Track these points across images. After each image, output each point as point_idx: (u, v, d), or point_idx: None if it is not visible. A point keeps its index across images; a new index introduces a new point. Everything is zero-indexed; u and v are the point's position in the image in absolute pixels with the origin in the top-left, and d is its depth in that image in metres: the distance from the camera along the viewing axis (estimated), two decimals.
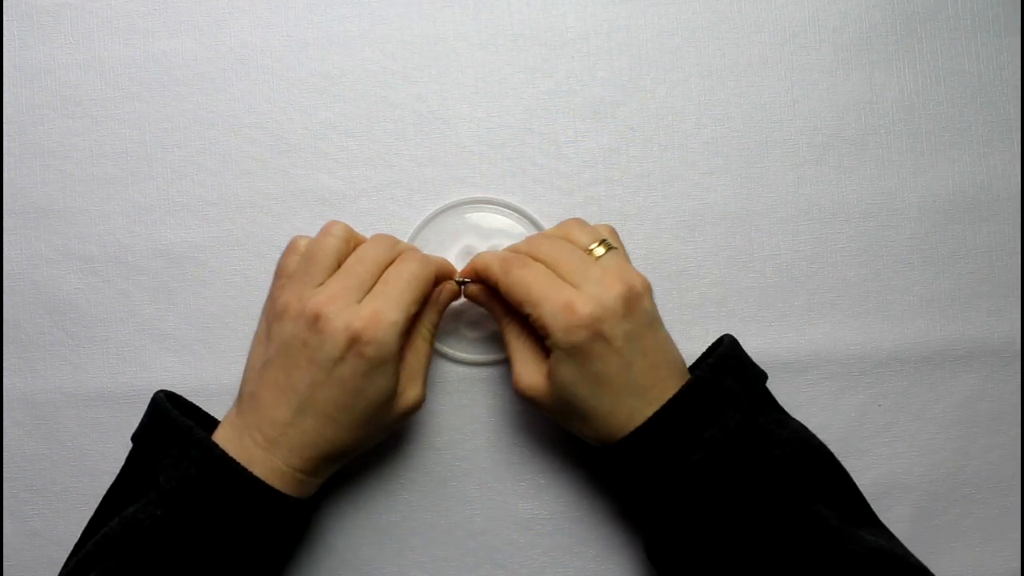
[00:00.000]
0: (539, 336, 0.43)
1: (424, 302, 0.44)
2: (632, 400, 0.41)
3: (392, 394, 0.42)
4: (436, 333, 0.46)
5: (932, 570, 0.41)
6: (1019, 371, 0.52)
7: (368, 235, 0.47)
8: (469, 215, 0.52)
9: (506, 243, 0.51)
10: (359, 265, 0.43)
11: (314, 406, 0.41)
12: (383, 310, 0.41)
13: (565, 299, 0.41)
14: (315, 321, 0.40)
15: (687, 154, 0.52)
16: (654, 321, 0.43)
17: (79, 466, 0.51)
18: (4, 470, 0.51)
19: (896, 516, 0.50)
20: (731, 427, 0.41)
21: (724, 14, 0.53)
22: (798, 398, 0.51)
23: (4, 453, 0.51)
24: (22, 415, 0.51)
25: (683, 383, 0.42)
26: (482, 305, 0.47)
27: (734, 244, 0.52)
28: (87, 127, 0.52)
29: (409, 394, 0.43)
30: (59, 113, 0.52)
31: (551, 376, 0.42)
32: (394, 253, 0.44)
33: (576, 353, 0.41)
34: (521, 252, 0.44)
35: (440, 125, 0.52)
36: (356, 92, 0.52)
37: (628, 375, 0.41)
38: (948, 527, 0.51)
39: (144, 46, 0.53)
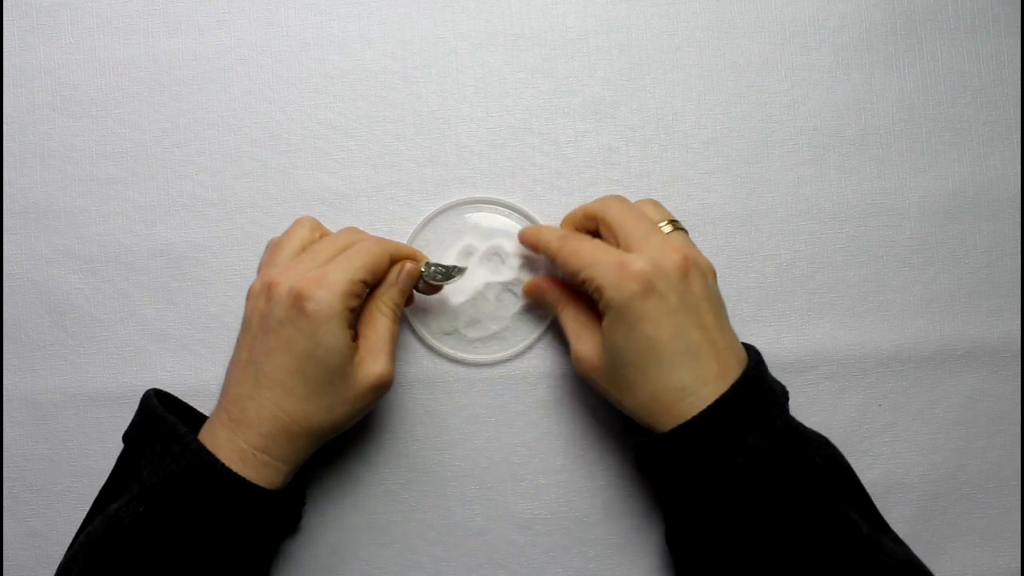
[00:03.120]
0: (595, 314, 0.44)
1: (380, 281, 0.45)
2: (683, 375, 0.40)
3: (345, 360, 0.42)
4: (400, 314, 0.46)
5: (932, 570, 0.41)
6: (1019, 371, 0.52)
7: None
8: (469, 215, 0.52)
9: (506, 243, 0.51)
10: (319, 246, 0.45)
11: (269, 375, 0.41)
12: (327, 272, 0.42)
13: (618, 258, 0.42)
14: (268, 290, 0.42)
15: (687, 154, 0.52)
16: (715, 302, 0.43)
17: (79, 466, 0.51)
18: (4, 470, 0.51)
19: (896, 516, 0.50)
20: (777, 427, 0.40)
21: (724, 14, 0.53)
22: (798, 398, 0.51)
23: (4, 453, 0.51)
24: (22, 415, 0.51)
25: (738, 374, 0.41)
26: (539, 300, 0.49)
27: (734, 244, 0.52)
28: (87, 127, 0.52)
29: (371, 367, 0.43)
30: (59, 113, 0.52)
31: (604, 341, 0.42)
32: (356, 239, 0.45)
33: (628, 311, 0.40)
34: (590, 209, 0.46)
35: (440, 125, 0.52)
36: (356, 92, 0.52)
37: (681, 343, 0.40)
38: (948, 527, 0.51)
39: (144, 46, 0.53)
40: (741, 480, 0.39)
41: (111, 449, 0.50)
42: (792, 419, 0.42)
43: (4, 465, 0.51)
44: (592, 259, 0.42)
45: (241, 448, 0.41)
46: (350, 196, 0.52)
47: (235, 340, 0.51)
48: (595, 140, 0.52)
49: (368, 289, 0.44)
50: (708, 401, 0.40)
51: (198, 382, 0.51)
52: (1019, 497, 0.51)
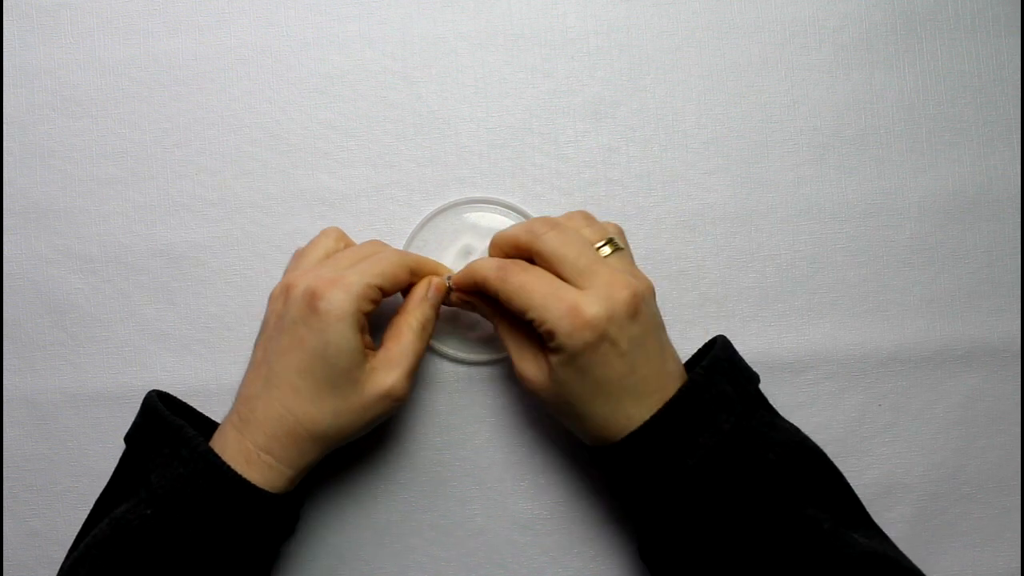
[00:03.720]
0: (533, 332, 0.42)
1: (408, 296, 0.45)
2: (630, 406, 0.41)
3: (354, 364, 0.41)
4: (431, 331, 0.45)
5: (932, 570, 0.41)
6: (1019, 371, 0.52)
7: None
8: (468, 215, 0.52)
9: None
10: (342, 255, 0.45)
11: (279, 374, 0.41)
12: (344, 275, 0.42)
13: (570, 302, 0.40)
14: (287, 291, 0.43)
15: (687, 154, 0.52)
16: (658, 326, 0.43)
17: (79, 466, 0.51)
18: (4, 470, 0.51)
19: (896, 516, 0.50)
20: (725, 430, 0.40)
21: (724, 14, 0.53)
22: (798, 398, 0.51)
23: (4, 453, 0.51)
24: (22, 415, 0.51)
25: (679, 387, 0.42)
26: (470, 309, 0.47)
27: (734, 244, 0.52)
28: (87, 127, 0.52)
29: (383, 377, 0.42)
30: (59, 113, 0.52)
31: (552, 376, 0.42)
32: (378, 250, 0.45)
33: (581, 357, 0.40)
34: (523, 244, 0.43)
35: (440, 125, 0.52)
36: (356, 92, 0.52)
37: (629, 380, 0.41)
38: (948, 527, 0.51)
39: (144, 46, 0.53)
40: (693, 482, 0.40)
41: (111, 449, 0.50)
42: (754, 418, 0.42)
43: (4, 465, 0.51)
44: (542, 300, 0.40)
45: (247, 448, 0.41)
46: (350, 196, 0.52)
47: (235, 340, 0.51)
48: (595, 140, 0.52)
49: (384, 296, 0.44)
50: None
51: (198, 382, 0.51)
52: (1019, 497, 0.51)
